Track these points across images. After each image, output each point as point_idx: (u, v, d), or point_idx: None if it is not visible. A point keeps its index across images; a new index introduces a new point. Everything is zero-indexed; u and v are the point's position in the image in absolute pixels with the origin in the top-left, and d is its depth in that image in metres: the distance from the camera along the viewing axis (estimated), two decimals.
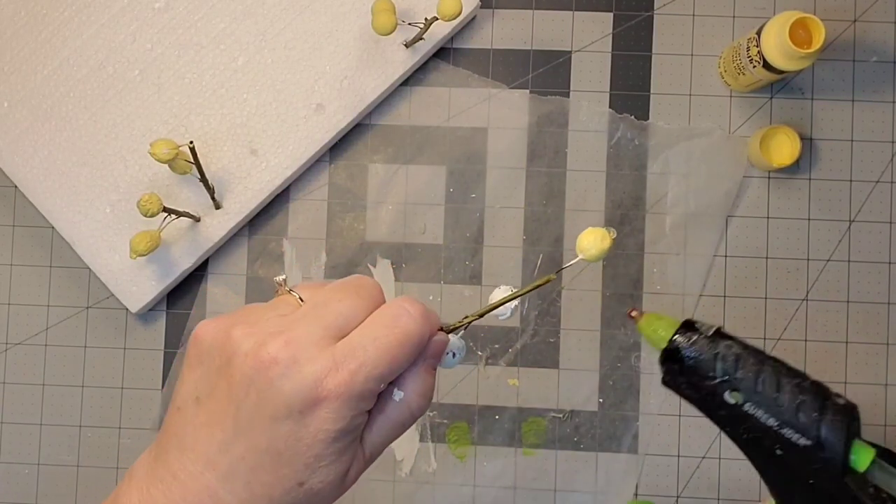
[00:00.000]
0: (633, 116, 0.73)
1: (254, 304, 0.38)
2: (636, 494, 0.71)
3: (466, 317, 0.41)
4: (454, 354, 0.41)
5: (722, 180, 0.72)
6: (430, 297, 0.73)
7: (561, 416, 0.72)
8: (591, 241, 0.42)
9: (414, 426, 0.72)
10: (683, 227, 0.72)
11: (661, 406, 0.72)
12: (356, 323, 0.36)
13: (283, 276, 0.39)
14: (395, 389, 0.38)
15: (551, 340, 0.72)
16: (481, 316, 0.42)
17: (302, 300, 0.38)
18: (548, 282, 0.42)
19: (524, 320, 0.72)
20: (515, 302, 0.42)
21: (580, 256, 0.43)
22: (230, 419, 0.35)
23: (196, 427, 0.36)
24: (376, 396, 0.37)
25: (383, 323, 0.36)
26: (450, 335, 0.40)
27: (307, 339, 0.35)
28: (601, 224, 0.72)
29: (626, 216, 0.73)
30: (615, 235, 0.43)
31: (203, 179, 0.68)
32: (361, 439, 0.38)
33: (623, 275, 0.72)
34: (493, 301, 0.42)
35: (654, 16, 0.74)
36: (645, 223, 0.72)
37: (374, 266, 0.73)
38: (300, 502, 0.36)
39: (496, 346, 0.72)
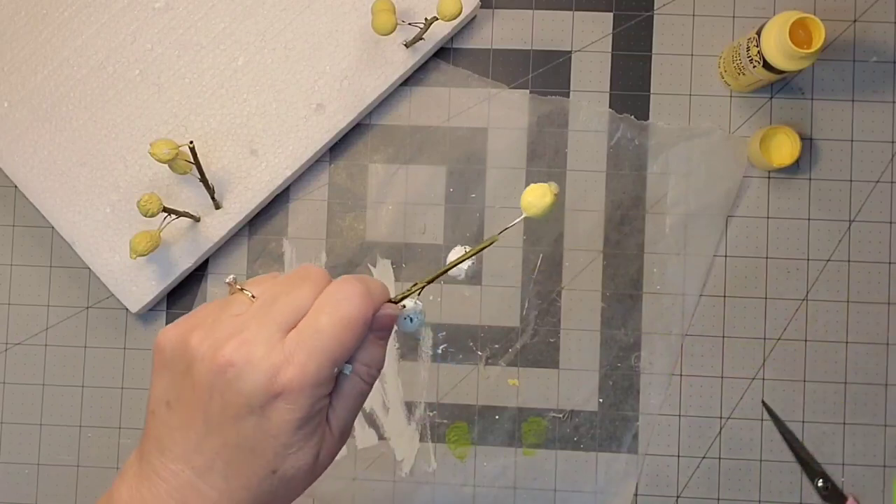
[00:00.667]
0: (633, 116, 0.73)
1: (210, 304, 0.41)
2: (636, 495, 0.71)
3: (416, 283, 0.43)
4: (411, 319, 0.43)
5: (722, 180, 0.72)
6: (431, 298, 0.73)
7: (561, 416, 0.72)
8: (533, 197, 0.44)
9: (414, 426, 0.72)
10: (683, 227, 0.72)
11: (661, 406, 0.72)
12: (304, 313, 0.38)
13: (233, 277, 0.41)
14: (344, 363, 0.40)
15: (551, 340, 0.72)
16: (430, 282, 0.44)
17: (254, 297, 0.40)
18: (492, 243, 0.44)
19: (524, 320, 0.72)
20: (468, 263, 0.44)
21: (524, 214, 0.44)
22: (200, 421, 0.38)
23: (171, 429, 0.39)
24: (334, 380, 0.39)
25: (325, 311, 0.38)
26: (406, 301, 0.43)
27: (258, 337, 0.37)
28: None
29: (626, 216, 0.72)
30: (557, 191, 0.44)
31: (203, 179, 0.68)
32: (327, 420, 0.40)
33: (623, 275, 0.72)
34: (450, 260, 0.45)
35: (654, 16, 0.74)
36: (645, 223, 0.72)
37: (374, 266, 0.73)
38: (276, 488, 0.39)
39: (496, 346, 0.72)
